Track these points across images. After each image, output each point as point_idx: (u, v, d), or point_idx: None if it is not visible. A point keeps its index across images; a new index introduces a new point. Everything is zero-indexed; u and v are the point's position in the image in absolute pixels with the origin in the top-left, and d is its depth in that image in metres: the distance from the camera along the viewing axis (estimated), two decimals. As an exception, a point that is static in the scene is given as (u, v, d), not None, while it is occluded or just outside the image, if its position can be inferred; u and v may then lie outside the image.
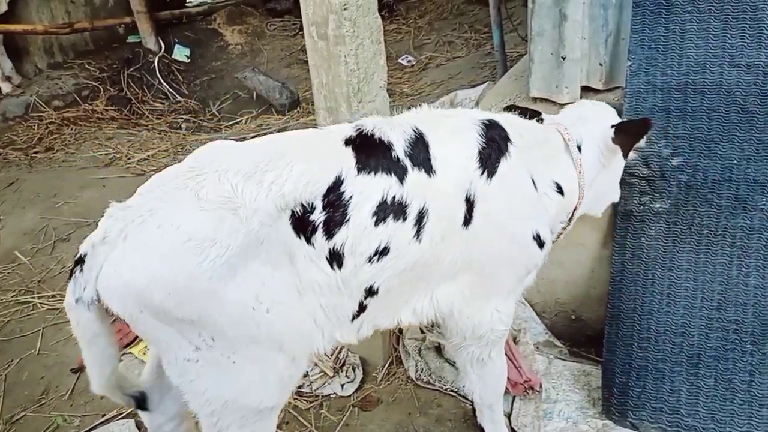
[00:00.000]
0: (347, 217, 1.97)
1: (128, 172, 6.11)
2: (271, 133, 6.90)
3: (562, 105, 3.33)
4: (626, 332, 2.91)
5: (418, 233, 2.08)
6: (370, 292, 2.12)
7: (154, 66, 8.21)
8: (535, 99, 3.42)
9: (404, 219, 2.06)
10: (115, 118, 7.72)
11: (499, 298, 2.39)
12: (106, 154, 6.57)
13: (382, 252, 2.05)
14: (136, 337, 3.80)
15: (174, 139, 6.95)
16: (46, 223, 5.23)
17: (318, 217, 1.95)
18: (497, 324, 2.42)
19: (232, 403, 2.02)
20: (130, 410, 3.36)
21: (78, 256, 1.96)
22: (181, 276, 1.81)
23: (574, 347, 3.34)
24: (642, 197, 3.03)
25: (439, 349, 3.24)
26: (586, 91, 3.32)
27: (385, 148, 2.08)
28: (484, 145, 2.21)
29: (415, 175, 2.08)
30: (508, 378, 2.99)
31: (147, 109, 7.94)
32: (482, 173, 2.17)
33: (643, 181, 3.03)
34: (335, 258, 2.00)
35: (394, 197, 2.03)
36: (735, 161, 2.92)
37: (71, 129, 7.19)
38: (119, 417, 3.34)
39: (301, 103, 7.51)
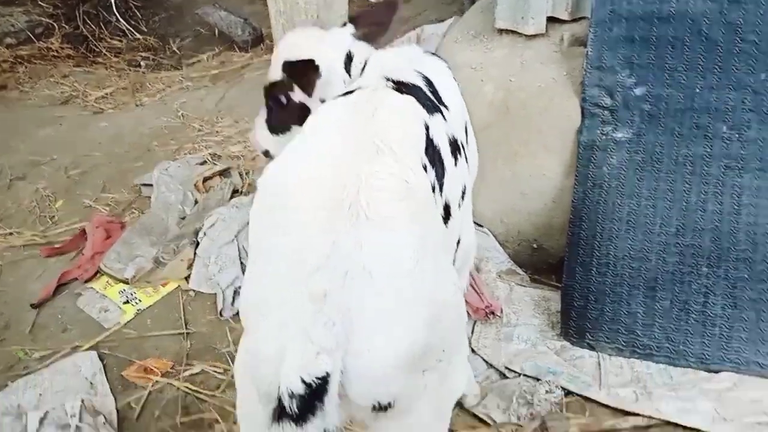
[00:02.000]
0: (444, 165, 1.80)
1: (86, 110, 5.93)
2: (234, 70, 6.74)
3: (528, 36, 3.30)
4: (586, 258, 2.96)
5: (468, 166, 2.04)
6: (458, 242, 2.01)
7: (111, 2, 7.89)
8: (500, 31, 3.38)
9: (461, 154, 1.97)
10: (72, 56, 7.44)
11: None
12: (62, 92, 6.36)
13: (463, 193, 1.97)
14: (97, 271, 3.75)
15: (133, 77, 6.75)
16: (2, 162, 5.07)
17: (431, 174, 1.72)
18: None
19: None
20: (95, 341, 3.34)
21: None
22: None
23: (535, 275, 3.40)
24: (605, 127, 3.04)
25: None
26: (552, 21, 3.28)
27: (417, 88, 1.94)
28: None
29: (446, 111, 1.99)
30: (469, 303, 3.05)
31: (104, 47, 7.65)
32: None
33: (606, 111, 3.04)
34: (446, 211, 1.82)
35: (452, 135, 1.92)
36: (697, 90, 2.93)
37: (25, 67, 6.92)
38: (82, 349, 3.31)
39: (264, 40, 7.31)
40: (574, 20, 3.32)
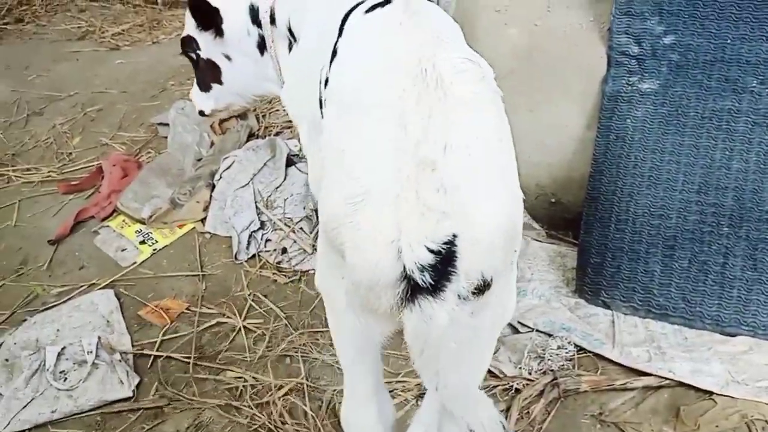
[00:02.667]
0: None
1: (102, 46, 5.85)
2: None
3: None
4: (604, 214, 2.91)
5: None
6: None
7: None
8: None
9: None
10: (89, -10, 7.35)
11: None
12: (78, 27, 6.27)
13: None
14: (114, 210, 3.76)
15: (149, 14, 6.63)
16: (19, 96, 5.05)
17: None
18: None
19: None
20: (111, 280, 3.38)
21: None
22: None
23: (551, 230, 3.35)
24: (630, 77, 2.94)
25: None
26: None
27: None
28: None
29: None
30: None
31: (123, -19, 7.52)
32: None
33: (633, 60, 2.93)
34: None
35: None
36: (729, 41, 2.82)
37: (42, 0, 6.82)
38: (98, 287, 3.35)
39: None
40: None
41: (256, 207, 3.51)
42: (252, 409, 2.65)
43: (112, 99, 4.90)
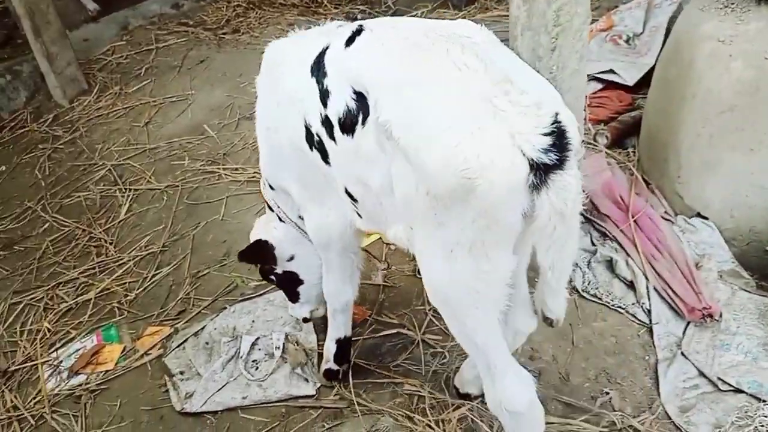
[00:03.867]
0: None
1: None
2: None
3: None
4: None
5: None
6: None
7: (338, -46, 8.17)
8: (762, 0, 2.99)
9: None
10: (296, 4, 7.87)
11: None
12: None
13: None
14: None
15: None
16: (232, 101, 5.52)
17: None
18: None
19: None
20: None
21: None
22: None
23: (762, 281, 3.06)
24: None
25: (610, 264, 3.10)
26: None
27: None
28: None
29: None
30: (685, 302, 2.84)
31: (326, -3, 8.00)
32: None
33: None
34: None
35: None
36: None
37: (256, 13, 7.41)
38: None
39: (478, -1, 7.20)
40: None
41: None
42: (429, 423, 2.67)
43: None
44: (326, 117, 2.04)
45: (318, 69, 2.06)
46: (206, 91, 5.76)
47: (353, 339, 3.05)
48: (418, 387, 2.86)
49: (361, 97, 1.92)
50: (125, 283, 3.90)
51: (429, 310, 3.23)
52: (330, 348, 2.95)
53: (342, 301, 2.81)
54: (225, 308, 3.54)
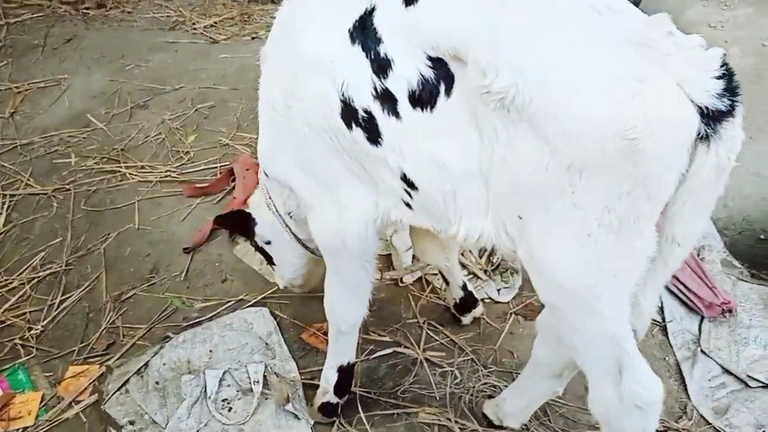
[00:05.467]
0: None
1: (197, 38, 5.55)
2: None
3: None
4: None
5: None
6: None
7: None
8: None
9: None
10: (168, -24, 7.09)
11: None
12: (167, 16, 5.96)
13: None
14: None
15: (238, 7, 6.34)
16: (118, 86, 4.75)
17: None
18: None
19: None
20: (261, 296, 3.07)
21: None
22: None
23: (753, 269, 3.06)
24: None
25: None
26: (822, -21, 2.86)
27: None
28: None
29: None
30: (701, 298, 2.73)
31: (201, -30, 7.25)
32: None
33: None
34: None
35: None
36: None
37: (123, -16, 6.53)
38: (248, 305, 3.04)
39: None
40: None
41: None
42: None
43: (224, 96, 4.60)
44: (385, 90, 1.70)
45: (364, 35, 1.72)
46: (82, 74, 4.90)
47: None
48: (436, 415, 2.52)
49: (439, 64, 1.61)
50: (24, 313, 3.15)
51: (423, 322, 2.89)
52: (329, 378, 2.50)
53: (349, 321, 2.38)
54: (168, 338, 2.94)
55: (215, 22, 5.96)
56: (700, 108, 1.37)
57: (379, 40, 1.69)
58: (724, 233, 3.03)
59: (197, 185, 3.74)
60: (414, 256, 3.09)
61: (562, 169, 1.44)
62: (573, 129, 1.39)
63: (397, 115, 1.71)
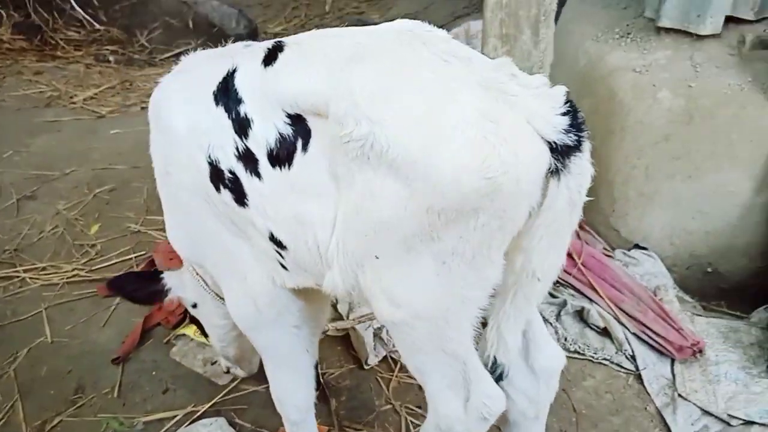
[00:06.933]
0: None
1: (79, 113, 5.12)
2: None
3: (697, 37, 3.01)
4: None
5: None
6: None
7: (65, -13, 6.97)
8: (660, 30, 3.05)
9: None
10: (26, 48, 6.56)
11: None
12: (40, 92, 5.50)
13: None
14: (185, 314, 3.12)
15: (116, 75, 5.96)
16: (-1, 177, 4.25)
17: None
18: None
19: None
20: (212, 403, 2.76)
21: None
22: None
23: (703, 301, 3.12)
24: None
25: (579, 314, 2.90)
26: (731, 21, 2.99)
27: None
28: None
29: None
30: (671, 342, 2.74)
31: (61, 39, 6.79)
32: None
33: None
34: None
35: None
36: None
37: (-16, 63, 5.97)
38: (198, 415, 2.72)
39: (259, 33, 6.69)
40: (760, 20, 3.03)
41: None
42: None
43: (124, 176, 4.22)
44: (246, 149, 1.72)
45: (226, 95, 1.75)
46: (-50, 166, 4.35)
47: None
48: None
49: (298, 121, 1.64)
50: (-75, 467, 2.65)
51: (400, 407, 2.70)
52: None
53: (299, 406, 2.23)
54: (110, 469, 2.56)
55: (95, 94, 5.57)
56: (549, 143, 1.44)
57: (239, 101, 1.72)
58: (673, 270, 3.09)
59: (114, 283, 3.35)
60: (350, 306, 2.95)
61: (422, 211, 1.48)
62: (431, 173, 1.43)
63: (258, 175, 1.73)
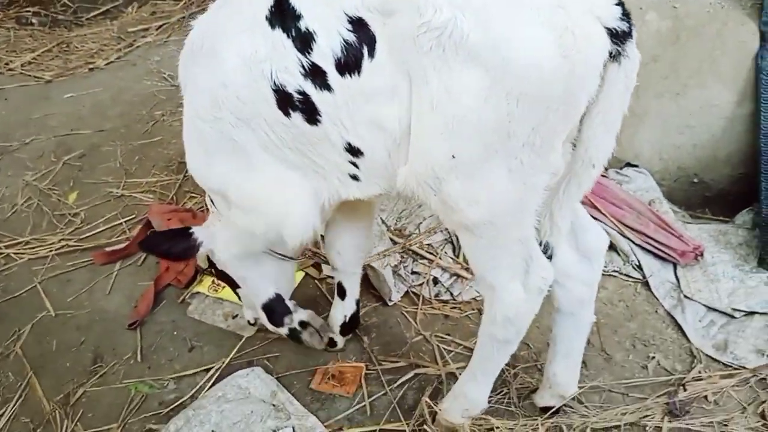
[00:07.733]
0: None
1: (21, 80, 4.81)
2: (172, 24, 5.77)
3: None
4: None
5: None
6: None
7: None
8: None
9: None
10: (-65, 12, 6.08)
11: None
12: (-30, 60, 5.12)
13: None
14: (197, 271, 3.07)
15: (48, 37, 5.60)
16: (-49, 152, 3.98)
17: None
18: None
19: None
20: (241, 355, 2.75)
21: None
22: None
23: (689, 210, 3.33)
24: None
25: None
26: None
27: None
28: None
29: None
30: (673, 248, 2.92)
31: (-25, 2, 6.31)
32: None
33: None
34: None
35: None
36: None
37: None
38: (224, 368, 2.70)
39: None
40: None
41: (390, 239, 3.07)
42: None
43: (91, 141, 4.03)
44: (312, 64, 1.73)
45: (282, 15, 1.75)
46: None
47: (360, 404, 2.51)
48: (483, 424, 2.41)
49: (359, 25, 1.67)
50: (-50, 454, 2.55)
51: (431, 336, 2.78)
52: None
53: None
54: (152, 430, 2.54)
55: (33, 59, 5.21)
56: (609, 30, 1.56)
57: (298, 17, 1.72)
58: (662, 183, 3.27)
59: (109, 249, 3.25)
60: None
61: (501, 99, 1.55)
62: (511, 57, 1.52)
63: (329, 88, 1.74)
